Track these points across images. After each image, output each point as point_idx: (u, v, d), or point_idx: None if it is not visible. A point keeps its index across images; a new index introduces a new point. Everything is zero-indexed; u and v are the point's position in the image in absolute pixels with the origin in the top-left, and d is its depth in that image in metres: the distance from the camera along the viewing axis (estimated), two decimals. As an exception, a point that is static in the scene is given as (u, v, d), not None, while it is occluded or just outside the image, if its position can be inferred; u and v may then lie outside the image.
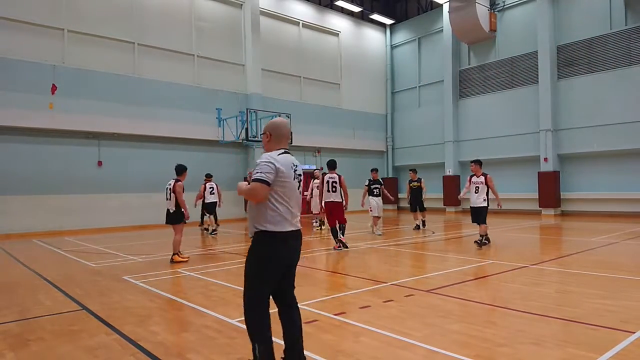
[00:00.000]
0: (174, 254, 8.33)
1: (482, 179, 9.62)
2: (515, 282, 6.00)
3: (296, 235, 3.08)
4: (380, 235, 12.18)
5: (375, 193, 12.34)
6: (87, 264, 8.41)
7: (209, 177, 13.77)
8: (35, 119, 14.03)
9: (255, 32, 19.44)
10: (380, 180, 12.77)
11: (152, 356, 3.61)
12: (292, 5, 21.59)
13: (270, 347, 3.01)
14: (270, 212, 2.96)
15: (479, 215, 9.54)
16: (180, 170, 8.56)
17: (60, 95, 14.50)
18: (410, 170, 14.26)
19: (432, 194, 23.80)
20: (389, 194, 13.07)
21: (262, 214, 2.97)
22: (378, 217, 12.59)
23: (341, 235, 9.64)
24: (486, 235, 9.64)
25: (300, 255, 3.22)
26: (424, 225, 13.69)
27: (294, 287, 3.21)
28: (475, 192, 9.56)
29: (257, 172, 2.92)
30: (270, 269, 2.98)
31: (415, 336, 3.89)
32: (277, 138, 3.16)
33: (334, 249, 9.47)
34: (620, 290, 5.48)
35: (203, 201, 13.61)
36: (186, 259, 8.38)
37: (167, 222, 8.56)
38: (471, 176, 9.86)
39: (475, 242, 9.62)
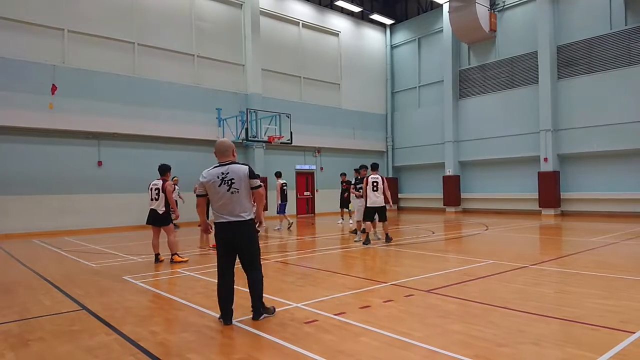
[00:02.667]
0: (173, 254, 8.32)
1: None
2: (515, 282, 6.00)
3: (228, 225, 4.31)
4: (356, 241, 10.62)
5: (361, 193, 11.04)
6: (87, 264, 8.41)
7: None
8: (35, 119, 14.02)
9: (255, 32, 19.44)
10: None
11: (152, 356, 3.61)
12: (292, 5, 21.58)
13: (220, 290, 4.43)
14: (212, 211, 4.43)
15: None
16: (165, 169, 8.53)
17: (60, 95, 14.50)
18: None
19: (432, 194, 23.86)
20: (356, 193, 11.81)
21: (212, 212, 4.45)
22: (358, 221, 11.25)
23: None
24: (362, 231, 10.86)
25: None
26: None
27: (248, 261, 4.45)
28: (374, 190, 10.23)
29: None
30: (218, 244, 4.45)
31: (415, 336, 3.89)
32: (218, 155, 4.49)
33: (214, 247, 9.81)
34: (621, 290, 5.48)
35: None
36: (186, 260, 8.38)
37: (155, 224, 8.45)
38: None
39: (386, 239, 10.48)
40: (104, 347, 3.85)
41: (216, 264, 4.50)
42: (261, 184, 4.49)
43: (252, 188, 4.40)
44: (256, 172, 4.63)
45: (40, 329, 4.38)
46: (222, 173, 4.32)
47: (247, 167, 4.41)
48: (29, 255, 9.73)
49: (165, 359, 3.55)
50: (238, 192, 4.29)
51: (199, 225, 4.96)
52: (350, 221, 15.90)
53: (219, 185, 4.28)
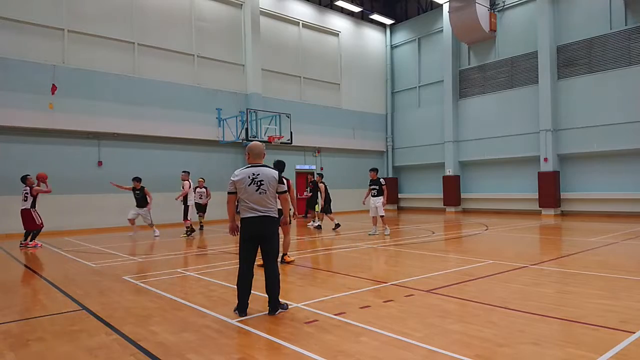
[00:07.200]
0: (284, 255, 7.92)
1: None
2: (515, 282, 6.00)
3: (254, 219, 4.66)
4: (371, 234, 12.26)
5: (373, 194, 12.35)
6: (87, 264, 8.41)
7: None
8: (35, 119, 14.02)
9: (255, 32, 19.43)
10: (381, 180, 12.53)
11: (152, 356, 3.61)
12: (292, 5, 21.58)
13: (240, 282, 4.72)
14: (240, 206, 4.76)
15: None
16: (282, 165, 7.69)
17: (60, 95, 14.49)
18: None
19: (432, 194, 23.86)
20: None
21: (239, 208, 4.77)
22: (374, 217, 12.52)
23: (30, 240, 11.07)
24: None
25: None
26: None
27: (269, 253, 4.73)
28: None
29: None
30: (242, 237, 4.74)
31: (415, 336, 3.89)
32: (252, 157, 4.84)
33: (37, 246, 10.98)
34: (621, 290, 5.48)
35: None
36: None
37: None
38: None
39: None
40: (104, 347, 3.85)
41: (238, 257, 4.81)
42: (286, 189, 4.99)
43: (277, 192, 4.84)
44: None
45: (40, 329, 4.38)
46: (254, 174, 4.68)
47: (277, 172, 4.85)
48: (29, 255, 9.72)
49: (165, 359, 3.55)
50: (265, 193, 4.68)
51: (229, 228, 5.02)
52: (314, 222, 15.20)
53: (249, 185, 4.65)
